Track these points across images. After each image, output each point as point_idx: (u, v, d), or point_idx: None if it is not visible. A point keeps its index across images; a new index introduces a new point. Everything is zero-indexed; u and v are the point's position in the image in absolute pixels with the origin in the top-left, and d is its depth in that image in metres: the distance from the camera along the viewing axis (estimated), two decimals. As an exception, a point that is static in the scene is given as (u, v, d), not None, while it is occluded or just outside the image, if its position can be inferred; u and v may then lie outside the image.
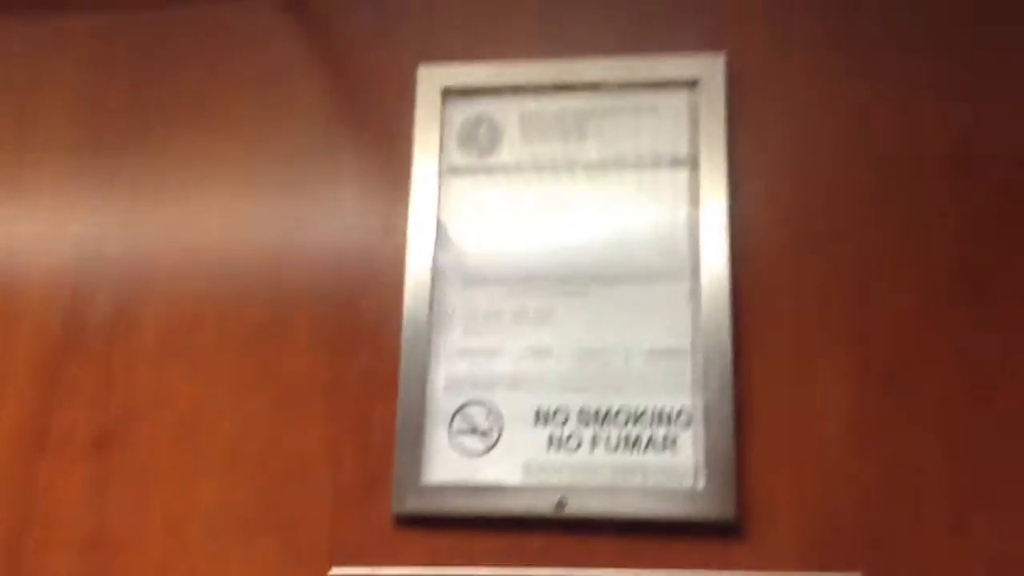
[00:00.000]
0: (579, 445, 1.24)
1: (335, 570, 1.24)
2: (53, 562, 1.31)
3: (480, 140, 1.37)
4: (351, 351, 1.34)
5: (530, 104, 1.37)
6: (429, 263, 1.33)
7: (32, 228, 1.45)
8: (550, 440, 1.25)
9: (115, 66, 1.50)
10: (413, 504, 1.25)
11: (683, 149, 1.32)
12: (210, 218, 1.42)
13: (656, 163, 1.32)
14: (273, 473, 1.30)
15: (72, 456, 1.34)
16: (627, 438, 1.24)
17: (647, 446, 1.23)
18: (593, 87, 1.36)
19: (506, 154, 1.36)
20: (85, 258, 1.42)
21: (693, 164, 1.31)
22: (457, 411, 1.28)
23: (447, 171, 1.36)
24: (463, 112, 1.39)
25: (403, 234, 1.35)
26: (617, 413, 1.25)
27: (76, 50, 1.52)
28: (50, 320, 1.40)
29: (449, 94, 1.39)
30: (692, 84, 1.33)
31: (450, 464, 1.26)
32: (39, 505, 1.33)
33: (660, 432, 1.23)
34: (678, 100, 1.34)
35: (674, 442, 1.23)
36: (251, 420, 1.33)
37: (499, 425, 1.27)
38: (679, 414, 1.23)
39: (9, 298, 1.42)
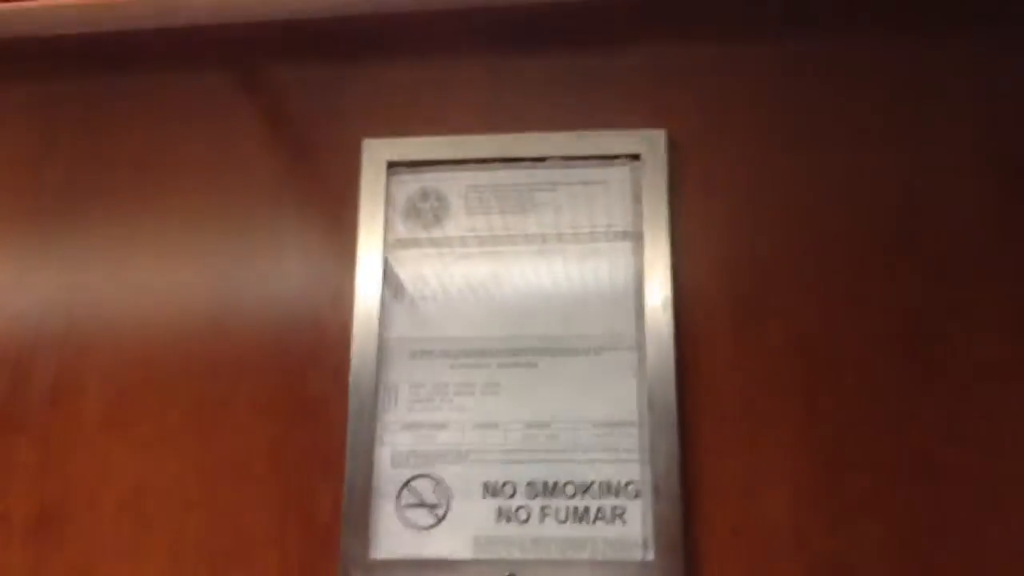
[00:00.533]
0: (528, 518, 1.24)
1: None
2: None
3: (426, 213, 1.38)
4: (296, 425, 1.32)
5: (475, 177, 1.39)
6: (375, 336, 1.32)
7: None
8: (499, 513, 1.25)
9: (55, 136, 1.49)
10: (364, 581, 1.24)
11: (627, 222, 1.34)
12: (153, 291, 1.40)
13: (601, 236, 1.34)
14: (218, 552, 1.28)
15: (9, 536, 1.31)
16: (576, 510, 1.24)
17: (596, 518, 1.23)
18: (538, 160, 1.38)
19: (452, 227, 1.37)
20: (24, 332, 1.40)
21: (637, 237, 1.33)
22: (404, 485, 1.27)
23: (393, 244, 1.37)
24: (408, 185, 1.40)
25: (349, 307, 1.35)
26: (566, 485, 1.25)
27: (14, 119, 1.51)
28: (-13, 397, 1.38)
29: (394, 167, 1.40)
30: (634, 158, 1.35)
31: (398, 539, 1.25)
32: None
33: (609, 504, 1.23)
34: (621, 174, 1.36)
35: (623, 514, 1.23)
36: (195, 497, 1.31)
37: (447, 499, 1.26)
38: (627, 486, 1.24)
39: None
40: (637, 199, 1.34)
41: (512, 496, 1.25)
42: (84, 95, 1.51)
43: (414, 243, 1.37)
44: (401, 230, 1.38)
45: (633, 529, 1.22)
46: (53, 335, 1.40)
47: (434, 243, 1.37)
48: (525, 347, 1.31)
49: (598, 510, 1.24)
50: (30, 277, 1.43)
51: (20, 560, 1.30)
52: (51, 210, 1.46)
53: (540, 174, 1.37)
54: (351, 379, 1.31)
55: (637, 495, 1.23)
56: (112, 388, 1.36)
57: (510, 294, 1.33)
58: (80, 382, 1.37)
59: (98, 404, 1.36)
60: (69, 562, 1.30)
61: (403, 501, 1.27)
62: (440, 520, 1.26)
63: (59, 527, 1.31)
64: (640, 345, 1.28)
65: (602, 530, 1.23)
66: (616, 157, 1.36)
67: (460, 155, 1.40)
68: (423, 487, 1.27)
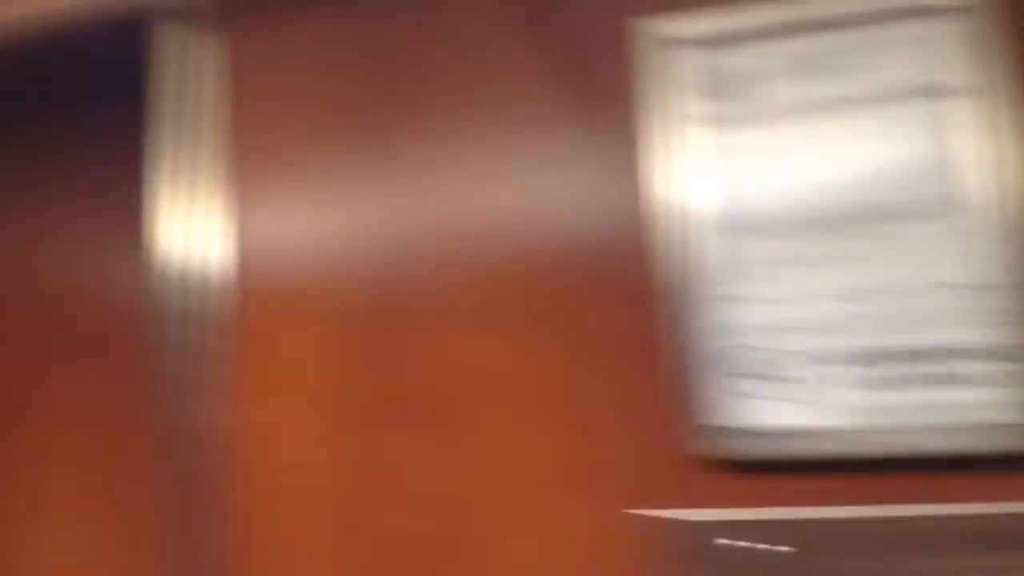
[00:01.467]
0: (886, 385, 1.23)
1: (641, 510, 1.31)
2: (387, 517, 1.42)
3: (722, 88, 1.35)
4: (636, 305, 1.36)
5: (775, 46, 1.34)
6: (683, 217, 1.31)
7: (313, 219, 1.52)
8: (855, 382, 1.24)
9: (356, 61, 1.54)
10: (720, 448, 1.28)
11: (956, 80, 1.28)
12: (476, 194, 1.45)
13: (924, 96, 1.29)
14: (569, 423, 1.37)
15: (406, 422, 1.43)
16: (937, 376, 1.22)
17: (960, 383, 1.22)
18: (842, 21, 1.32)
19: (754, 100, 1.34)
20: (372, 240, 1.49)
21: (971, 95, 1.27)
22: (749, 358, 1.27)
23: (690, 122, 1.34)
24: (696, 62, 1.36)
25: (653, 190, 1.36)
26: (921, 352, 1.23)
27: (346, 45, 1.55)
28: (358, 303, 1.48)
29: (679, 44, 1.36)
30: (967, 10, 1.29)
31: (741, 409, 1.27)
32: (375, 466, 1.44)
33: (972, 368, 1.22)
34: (950, 29, 1.30)
35: (989, 378, 1.21)
36: (551, 380, 1.38)
37: (798, 371, 1.26)
38: (992, 350, 1.21)
39: (305, 292, 1.51)
40: (970, 54, 1.28)
41: (869, 365, 1.24)
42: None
43: (711, 120, 1.34)
44: (694, 107, 1.34)
45: (1001, 392, 1.21)
46: (391, 241, 1.48)
47: (733, 119, 1.33)
48: (855, 214, 1.28)
49: (961, 375, 1.22)
50: (361, 190, 1.50)
51: (416, 440, 1.43)
52: (380, 124, 1.52)
53: (852, 37, 1.32)
54: (665, 259, 1.32)
55: (1005, 358, 1.21)
56: (466, 297, 1.44)
57: (826, 162, 1.30)
58: (442, 294, 1.45)
59: (468, 304, 1.44)
60: (450, 442, 1.42)
61: (751, 373, 1.27)
62: (791, 393, 1.26)
63: (442, 412, 1.43)
64: (989, 206, 1.24)
65: (967, 394, 1.22)
66: (945, 10, 1.30)
67: (753, 25, 1.35)
68: (771, 359, 1.27)
